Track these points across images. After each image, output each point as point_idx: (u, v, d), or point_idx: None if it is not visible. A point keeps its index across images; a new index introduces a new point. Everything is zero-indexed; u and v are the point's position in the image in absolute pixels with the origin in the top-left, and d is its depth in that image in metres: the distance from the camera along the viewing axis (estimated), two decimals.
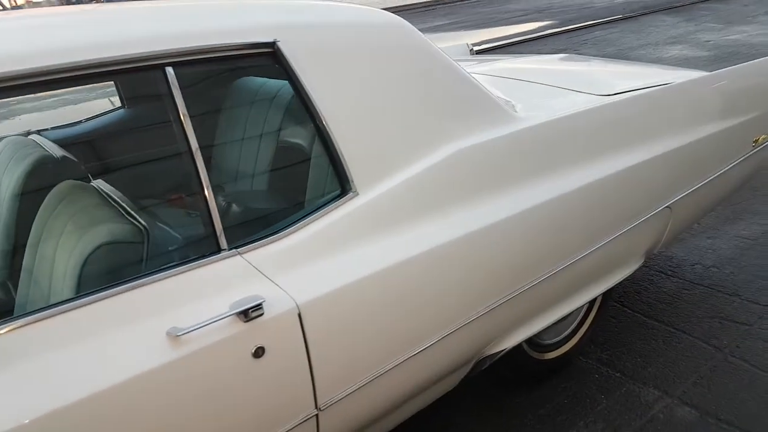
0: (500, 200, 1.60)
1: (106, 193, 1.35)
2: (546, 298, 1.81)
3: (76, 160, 1.45)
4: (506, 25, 11.32)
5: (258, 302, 1.18)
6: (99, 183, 1.39)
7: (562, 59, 2.95)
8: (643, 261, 2.15)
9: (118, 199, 1.33)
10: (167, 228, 1.29)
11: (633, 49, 7.50)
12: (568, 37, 8.86)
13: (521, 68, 2.59)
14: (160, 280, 1.16)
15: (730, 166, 2.29)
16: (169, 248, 1.27)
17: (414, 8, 14.83)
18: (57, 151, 1.46)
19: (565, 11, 12.17)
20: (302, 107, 1.36)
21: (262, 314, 1.19)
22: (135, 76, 1.21)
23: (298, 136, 1.44)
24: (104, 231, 1.28)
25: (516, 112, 1.75)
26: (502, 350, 1.78)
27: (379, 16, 1.55)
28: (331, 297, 1.29)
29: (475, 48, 3.79)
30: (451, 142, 1.55)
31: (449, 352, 1.57)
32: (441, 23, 13.52)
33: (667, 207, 2.09)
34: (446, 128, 1.55)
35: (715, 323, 2.32)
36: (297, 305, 1.24)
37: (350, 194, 1.38)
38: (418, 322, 1.45)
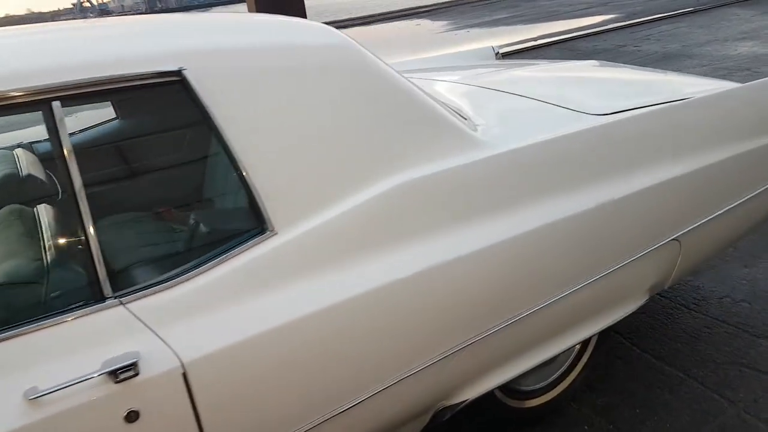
0: (452, 237, 1.42)
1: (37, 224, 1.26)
2: (517, 342, 1.62)
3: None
4: (567, 18, 10.86)
5: (131, 361, 1.06)
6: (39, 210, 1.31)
7: (586, 67, 2.69)
8: (647, 298, 1.91)
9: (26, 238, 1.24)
10: (51, 272, 1.19)
11: (699, 46, 7.00)
12: (630, 32, 8.39)
13: (525, 77, 2.37)
14: (28, 332, 1.06)
15: (757, 192, 2.00)
16: (50, 295, 1.16)
17: (473, 2, 14.47)
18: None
19: (632, 3, 11.59)
20: (211, 139, 1.23)
21: (136, 374, 1.07)
22: (18, 112, 1.11)
23: (205, 170, 1.31)
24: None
25: (480, 136, 1.56)
26: (464, 401, 1.60)
27: (311, 35, 1.40)
28: (229, 353, 1.15)
29: (502, 51, 3.57)
30: (395, 174, 1.38)
31: (386, 407, 1.41)
32: (501, 17, 13.17)
33: (674, 240, 1.84)
34: (388, 158, 1.38)
35: (734, 371, 2.04)
36: (182, 363, 1.10)
37: (266, 234, 1.24)
38: (340, 378, 1.29)
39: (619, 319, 1.83)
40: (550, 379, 1.92)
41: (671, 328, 2.29)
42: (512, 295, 1.52)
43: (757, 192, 2.00)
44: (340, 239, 1.29)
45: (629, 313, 1.86)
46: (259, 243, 1.23)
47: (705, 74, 5.63)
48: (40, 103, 1.10)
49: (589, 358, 1.97)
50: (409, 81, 1.51)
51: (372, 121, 1.37)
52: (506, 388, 1.80)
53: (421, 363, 1.41)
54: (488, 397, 1.74)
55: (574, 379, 1.95)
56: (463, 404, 1.60)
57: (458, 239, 1.42)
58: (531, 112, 1.85)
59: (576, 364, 1.96)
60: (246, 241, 1.22)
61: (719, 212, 1.90)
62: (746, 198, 1.98)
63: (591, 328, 1.78)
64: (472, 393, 1.59)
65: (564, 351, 1.76)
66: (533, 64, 2.78)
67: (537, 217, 1.54)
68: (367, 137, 1.36)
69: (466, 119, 1.68)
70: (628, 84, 2.26)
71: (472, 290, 1.44)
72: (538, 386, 1.90)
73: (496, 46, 3.29)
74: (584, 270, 1.65)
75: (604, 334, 1.95)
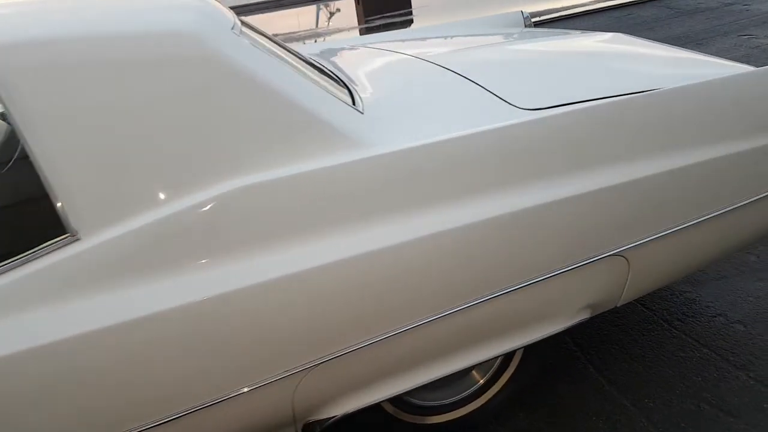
0: (297, 248, 1.30)
1: None
2: (394, 359, 1.48)
3: None
4: None
5: None
6: None
7: (590, 44, 2.36)
8: (586, 316, 1.69)
9: None
10: None
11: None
12: None
13: (496, 55, 2.11)
14: None
15: (734, 207, 1.69)
16: None
17: None
18: None
19: None
20: (11, 137, 1.18)
21: None
22: None
23: (8, 171, 1.26)
24: None
25: (364, 133, 1.40)
26: (332, 417, 1.50)
27: (146, 24, 1.29)
28: (16, 360, 1.13)
29: (534, 19, 3.25)
30: (229, 179, 1.27)
31: (219, 423, 1.34)
32: None
33: (618, 256, 1.60)
34: (222, 162, 1.27)
35: (690, 408, 1.78)
36: None
37: (67, 239, 1.18)
38: (145, 393, 1.24)
39: (542, 337, 1.64)
40: (463, 395, 1.77)
41: (640, 345, 2.03)
42: (376, 313, 1.38)
43: (734, 206, 1.69)
44: (152, 248, 1.21)
45: (558, 330, 1.65)
46: (58, 248, 1.18)
47: None
48: None
49: (514, 374, 1.78)
50: (287, 69, 1.38)
51: (205, 120, 1.25)
52: (402, 401, 1.67)
53: (257, 380, 1.32)
54: (378, 410, 1.63)
55: (493, 396, 1.78)
56: (332, 420, 1.50)
57: (303, 251, 1.30)
58: (455, 103, 1.65)
59: (497, 379, 1.78)
60: (44, 246, 1.18)
61: (681, 227, 1.62)
62: (719, 213, 1.68)
63: (501, 346, 1.60)
64: (339, 410, 1.49)
65: (467, 367, 1.60)
66: (535, 39, 2.49)
67: (416, 227, 1.37)
68: (196, 138, 1.25)
69: (360, 112, 1.52)
70: (614, 68, 1.96)
71: (322, 306, 1.32)
72: (446, 401, 1.75)
73: (527, 12, 3.00)
74: (481, 284, 1.46)
75: (539, 348, 1.75)
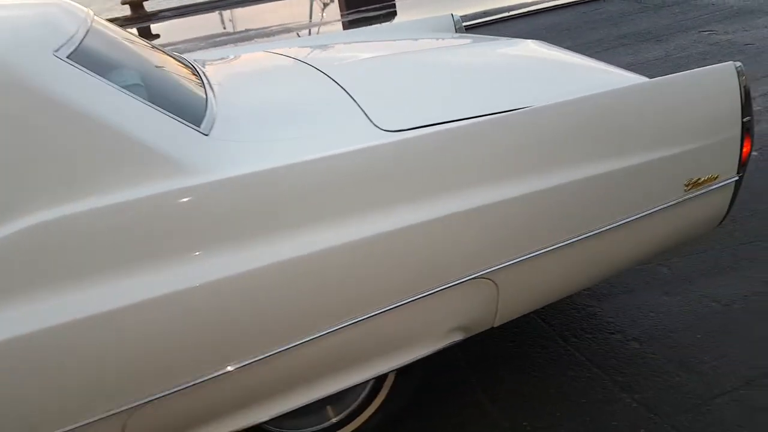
0: (110, 286, 1.24)
1: None
2: (245, 391, 1.43)
3: None
4: None
5: None
6: None
7: (510, 50, 2.29)
8: (459, 337, 1.64)
9: None
10: None
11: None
12: None
13: (392, 62, 2.06)
14: None
15: (618, 224, 1.63)
16: None
17: None
18: None
19: None
20: None
21: None
22: None
23: None
24: None
25: (198, 158, 1.34)
26: None
27: None
28: None
29: (477, 20, 3.17)
30: (36, 212, 1.21)
31: None
32: None
33: (484, 279, 1.55)
34: (30, 192, 1.21)
35: None
36: None
37: None
38: None
39: (409, 361, 1.58)
40: (334, 420, 1.71)
41: (531, 363, 1.98)
42: (217, 344, 1.32)
43: (612, 225, 1.63)
44: None
45: (427, 354, 1.60)
46: None
47: None
48: None
49: (385, 401, 1.73)
50: (113, 92, 1.32)
51: (4, 150, 1.20)
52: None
53: (82, 420, 1.27)
54: None
55: (367, 419, 1.73)
56: None
57: (110, 290, 1.24)
58: (319, 121, 1.60)
59: (370, 403, 1.73)
60: None
61: (553, 249, 1.57)
62: (594, 232, 1.61)
63: (364, 372, 1.55)
64: None
65: (331, 394, 1.55)
66: (443, 48, 2.42)
67: (263, 255, 1.31)
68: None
69: (202, 134, 1.45)
70: (504, 81, 1.89)
71: (156, 340, 1.27)
72: (315, 427, 1.70)
73: (457, 16, 2.92)
74: (337, 311, 1.41)
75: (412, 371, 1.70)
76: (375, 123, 1.55)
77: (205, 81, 1.84)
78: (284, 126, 1.58)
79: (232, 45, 8.12)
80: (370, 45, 2.47)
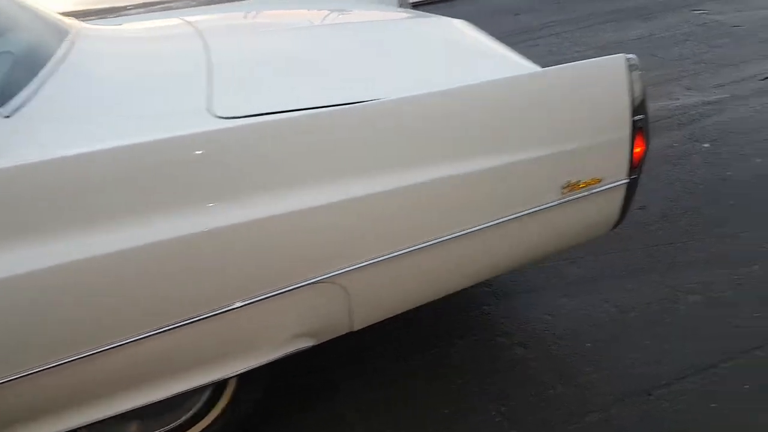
0: None
1: None
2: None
3: None
4: None
5: None
6: None
7: (425, 31, 2.13)
8: (308, 343, 1.52)
9: None
10: None
11: None
12: None
13: (296, 43, 1.90)
14: None
15: (483, 227, 1.50)
16: None
17: None
18: None
19: None
20: None
21: None
22: None
23: None
24: None
25: None
26: None
27: None
28: None
29: None
30: None
31: None
32: None
33: (328, 283, 1.43)
34: None
35: None
36: None
37: None
38: None
39: (249, 368, 1.48)
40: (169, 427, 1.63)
41: (406, 367, 1.87)
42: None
43: (475, 228, 1.50)
44: None
45: (268, 361, 1.49)
46: None
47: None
48: None
49: (228, 407, 1.62)
50: None
51: None
52: None
53: None
54: None
55: (206, 428, 1.64)
56: None
57: None
58: (158, 98, 1.47)
59: (208, 411, 1.63)
60: None
61: (410, 251, 1.44)
62: (456, 236, 1.49)
63: (182, 382, 1.43)
64: None
65: (156, 401, 1.45)
66: (355, 21, 2.26)
67: (61, 252, 1.19)
68: None
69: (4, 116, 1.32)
70: (386, 66, 1.74)
71: None
72: None
73: None
74: (155, 315, 1.30)
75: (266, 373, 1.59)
76: (212, 108, 1.42)
77: (61, 52, 1.70)
78: (117, 105, 1.45)
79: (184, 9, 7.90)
80: (282, 16, 2.32)
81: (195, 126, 1.31)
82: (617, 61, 1.52)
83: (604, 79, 1.54)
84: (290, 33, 2.03)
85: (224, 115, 1.38)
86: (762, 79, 3.57)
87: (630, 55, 1.53)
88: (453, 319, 2.03)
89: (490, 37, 1.99)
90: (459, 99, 1.45)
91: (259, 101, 1.44)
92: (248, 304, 1.35)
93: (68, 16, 2.11)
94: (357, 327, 1.56)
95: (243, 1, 2.76)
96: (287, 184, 1.33)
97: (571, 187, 1.58)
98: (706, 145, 2.91)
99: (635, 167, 1.63)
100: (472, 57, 1.83)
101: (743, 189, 2.54)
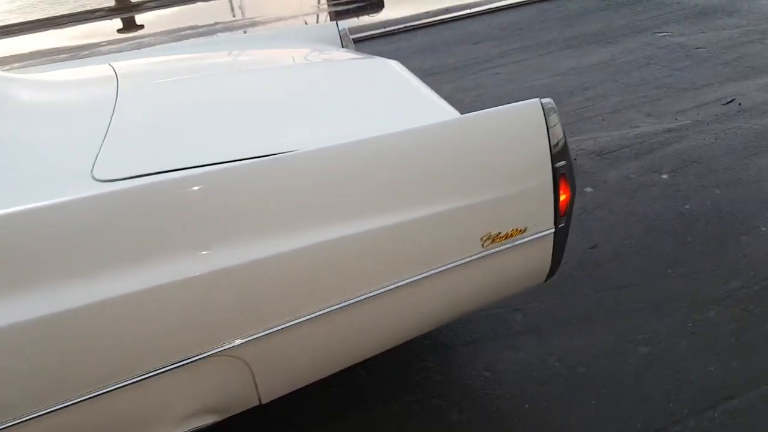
0: None
1: None
2: None
3: None
4: None
5: None
6: None
7: (351, 74, 2.01)
8: (210, 420, 1.37)
9: None
10: None
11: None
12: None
13: (213, 92, 1.78)
14: None
15: (400, 285, 1.36)
16: None
17: None
18: None
19: None
20: None
21: None
22: None
23: None
24: None
25: None
26: None
27: None
28: None
29: (353, 34, 2.88)
30: None
31: None
32: None
33: (225, 357, 1.28)
34: None
35: None
36: None
37: None
38: None
39: None
40: None
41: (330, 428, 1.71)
42: None
43: (384, 289, 1.36)
44: None
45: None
46: None
47: (744, 35, 4.50)
48: None
49: None
50: None
51: None
52: None
53: None
54: None
55: None
56: None
57: None
58: (44, 158, 1.34)
59: None
60: None
61: (314, 317, 1.30)
62: (365, 297, 1.35)
63: None
64: None
65: None
66: (280, 66, 2.14)
67: None
68: None
69: None
70: (298, 117, 1.61)
71: None
72: None
73: (345, 28, 2.63)
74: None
75: None
76: (93, 169, 1.29)
77: None
78: None
79: (196, 38, 7.87)
80: (214, 57, 2.21)
81: (71, 191, 1.18)
82: (533, 107, 1.40)
83: (520, 126, 1.42)
84: (213, 79, 1.90)
85: (103, 178, 1.26)
86: (724, 104, 3.48)
87: (546, 100, 1.41)
88: (390, 376, 1.87)
89: (418, 80, 1.86)
90: (368, 150, 1.34)
91: (149, 160, 1.32)
92: (140, 380, 1.20)
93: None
94: (266, 400, 1.41)
95: (201, 39, 2.65)
96: (168, 249, 1.19)
97: (493, 239, 1.45)
98: (664, 176, 2.79)
99: (562, 215, 1.50)
100: (393, 103, 1.70)
101: (701, 224, 2.41)
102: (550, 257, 1.56)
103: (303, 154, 1.29)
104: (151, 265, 1.18)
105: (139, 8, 13.55)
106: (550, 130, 1.41)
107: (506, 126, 1.42)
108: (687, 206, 2.54)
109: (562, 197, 1.49)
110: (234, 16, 10.48)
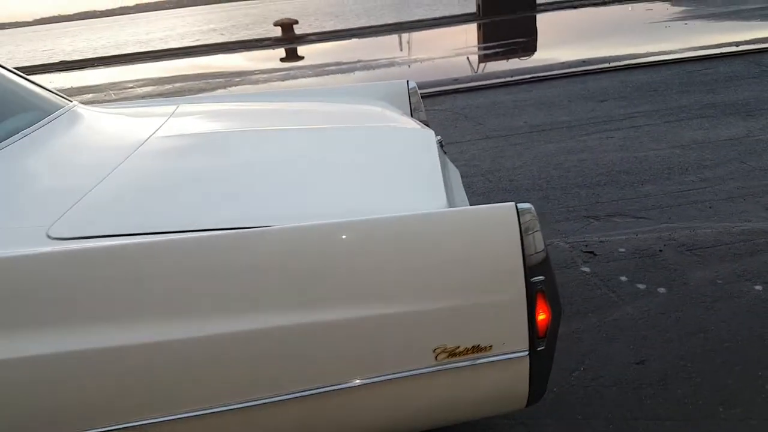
0: None
1: None
2: None
3: None
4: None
5: None
6: None
7: (360, 140, 1.90)
8: None
9: None
10: None
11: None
12: None
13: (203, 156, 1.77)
14: None
15: (327, 389, 1.24)
16: None
17: None
18: None
19: None
20: None
21: None
22: None
23: None
24: None
25: None
26: None
27: None
28: None
29: (421, 91, 2.80)
30: None
31: None
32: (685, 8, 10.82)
33: None
34: None
35: None
36: None
37: None
38: None
39: None
40: None
41: None
42: None
43: (324, 389, 1.23)
44: None
45: None
46: None
47: None
48: None
49: None
50: None
51: None
52: None
53: None
54: None
55: None
56: None
57: None
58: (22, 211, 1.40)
59: None
60: None
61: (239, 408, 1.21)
62: (304, 393, 1.23)
63: None
64: None
65: None
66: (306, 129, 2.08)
67: None
68: None
69: None
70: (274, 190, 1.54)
71: None
72: None
73: (412, 86, 2.58)
74: None
75: None
76: (51, 227, 1.31)
77: None
78: None
79: (338, 74, 8.19)
80: (245, 110, 2.22)
81: (23, 246, 1.20)
82: (506, 210, 1.21)
83: (490, 231, 1.23)
84: (228, 138, 1.90)
85: (55, 236, 1.27)
86: None
87: (524, 205, 1.21)
88: None
89: (438, 159, 1.68)
90: (318, 236, 1.22)
91: (109, 223, 1.32)
92: None
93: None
94: None
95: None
96: (86, 319, 1.16)
97: (449, 353, 1.26)
98: (758, 287, 2.36)
99: (541, 337, 1.28)
100: (380, 184, 1.55)
101: None
102: (527, 382, 1.34)
103: (239, 234, 1.20)
104: (64, 331, 1.15)
105: (301, 40, 14.46)
106: (525, 238, 1.21)
107: (474, 229, 1.23)
108: None
109: (541, 317, 1.27)
110: (401, 50, 10.85)
